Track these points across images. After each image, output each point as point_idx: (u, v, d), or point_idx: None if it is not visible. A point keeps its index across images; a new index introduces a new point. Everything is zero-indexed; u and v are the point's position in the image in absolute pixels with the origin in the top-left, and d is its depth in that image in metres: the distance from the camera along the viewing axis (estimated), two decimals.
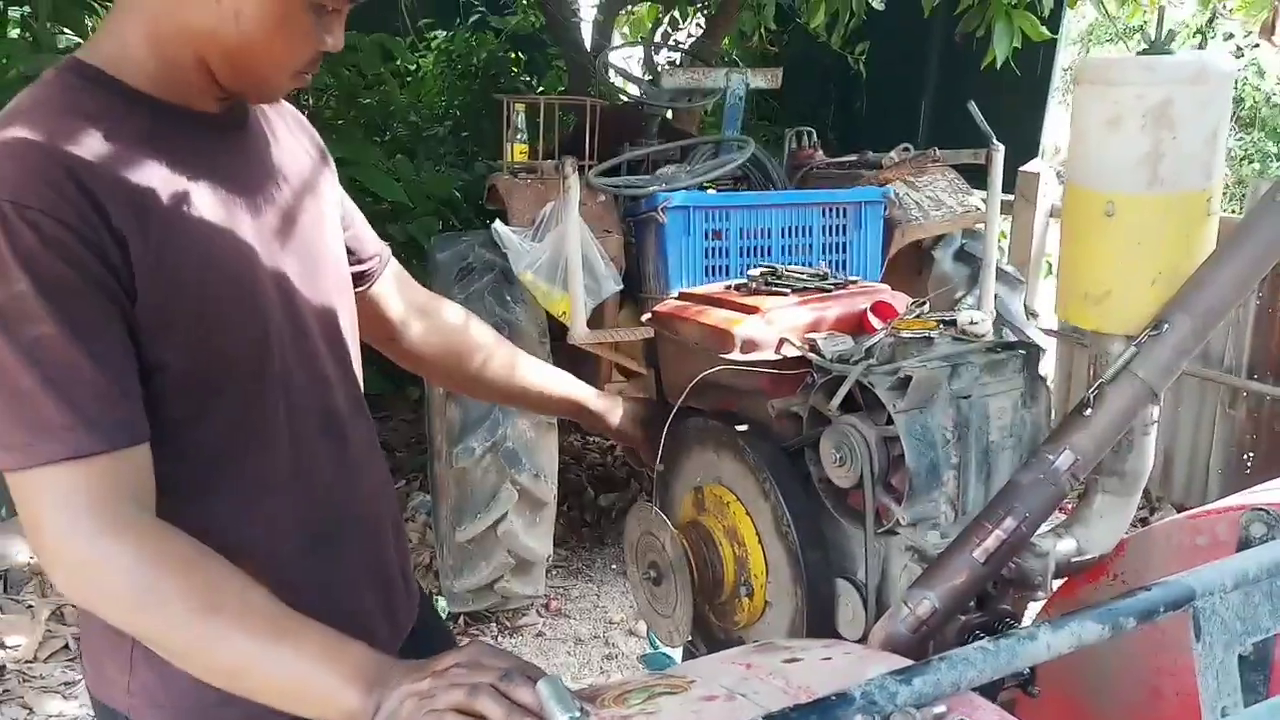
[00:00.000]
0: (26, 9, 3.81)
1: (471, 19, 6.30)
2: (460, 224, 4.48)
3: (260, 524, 1.11)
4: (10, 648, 2.93)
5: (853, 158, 3.56)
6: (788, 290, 1.61)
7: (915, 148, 3.24)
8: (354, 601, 1.23)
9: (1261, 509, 1.33)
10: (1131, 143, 1.24)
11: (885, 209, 3.01)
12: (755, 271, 1.69)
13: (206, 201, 1.01)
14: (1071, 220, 1.35)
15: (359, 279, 1.38)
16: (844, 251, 2.98)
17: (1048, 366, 5.02)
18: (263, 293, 1.07)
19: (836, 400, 1.32)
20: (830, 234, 2.96)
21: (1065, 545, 1.38)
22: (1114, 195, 1.27)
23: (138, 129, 0.97)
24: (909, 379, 1.29)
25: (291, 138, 1.23)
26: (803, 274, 1.65)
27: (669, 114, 5.12)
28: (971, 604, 1.30)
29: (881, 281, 3.16)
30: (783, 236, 2.91)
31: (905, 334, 1.39)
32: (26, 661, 2.90)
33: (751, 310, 1.56)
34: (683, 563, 1.52)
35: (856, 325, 1.55)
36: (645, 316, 1.89)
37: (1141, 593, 0.93)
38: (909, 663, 0.87)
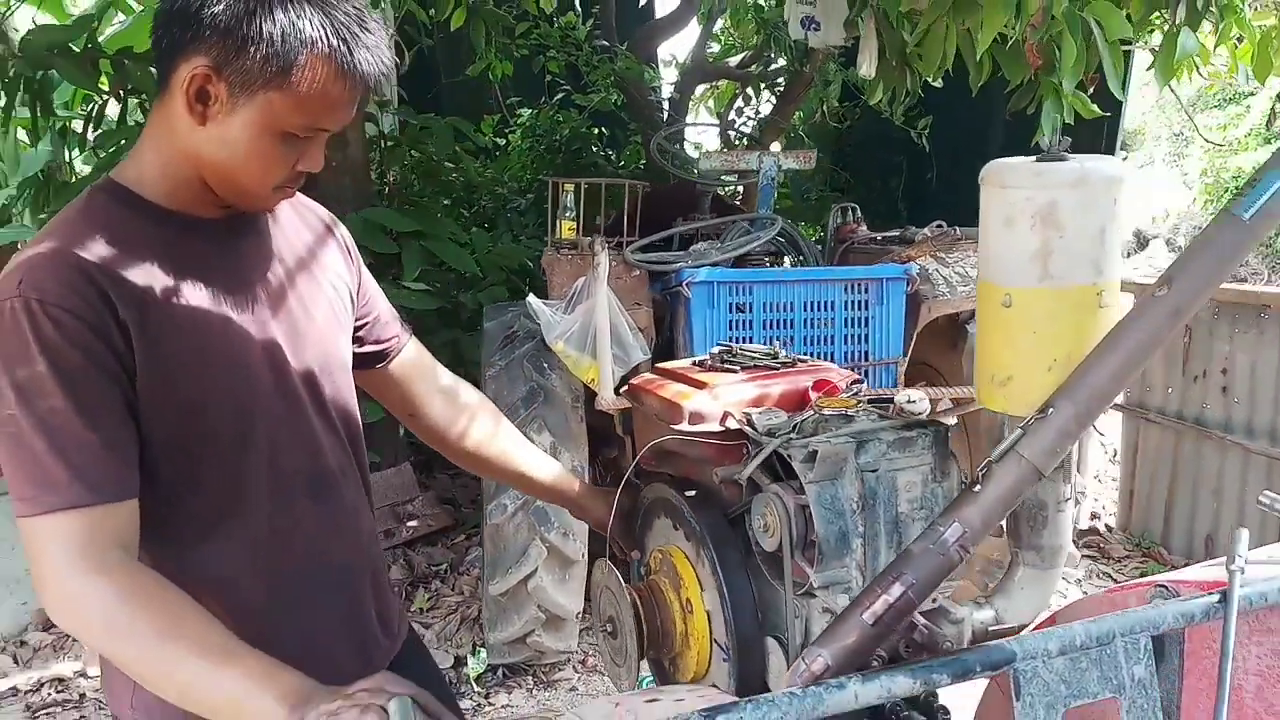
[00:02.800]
0: (144, 96, 4.25)
1: (557, 97, 6.64)
2: (532, 293, 4.71)
3: (241, 575, 1.27)
4: (91, 678, 3.20)
5: (895, 233, 3.66)
6: (738, 368, 1.74)
7: None
8: (326, 646, 1.37)
9: (1164, 585, 1.39)
10: (1024, 240, 1.35)
11: (909, 285, 3.09)
12: (715, 350, 1.83)
13: (203, 295, 1.20)
14: (980, 311, 1.45)
15: (377, 357, 1.56)
16: (866, 326, 3.07)
17: (1114, 441, 4.93)
18: (251, 373, 1.24)
19: (749, 469, 1.44)
20: (853, 309, 3.06)
21: (983, 614, 1.46)
22: (1011, 288, 1.37)
23: (150, 236, 1.17)
24: (816, 452, 1.41)
25: (299, 229, 1.42)
26: (756, 353, 1.78)
27: (739, 190, 5.34)
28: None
29: (914, 355, 3.24)
30: (806, 311, 3.03)
31: (827, 411, 1.50)
32: (98, 690, 3.16)
33: (702, 385, 1.70)
34: (632, 617, 1.64)
35: (800, 402, 1.67)
36: (623, 389, 2.05)
37: (963, 653, 1.02)
38: (729, 699, 0.98)
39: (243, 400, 1.24)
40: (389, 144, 5.04)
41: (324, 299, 1.40)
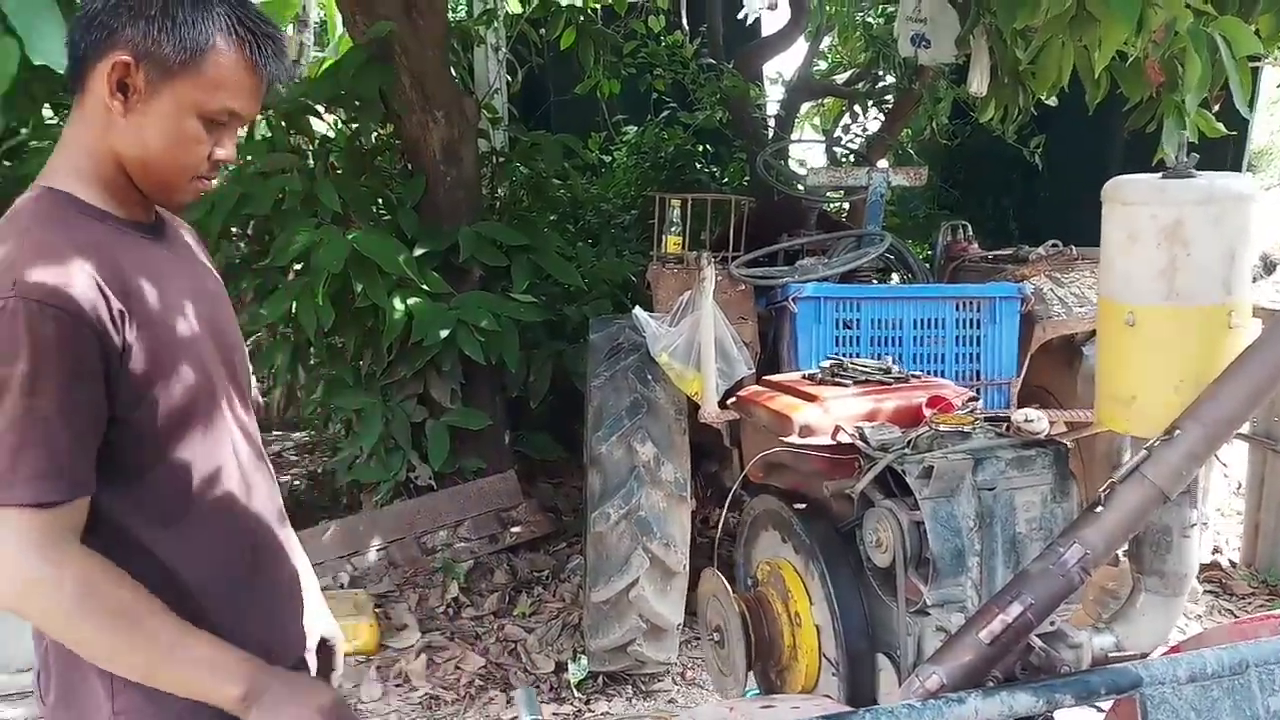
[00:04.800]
0: (270, 113, 4.46)
1: (662, 114, 6.71)
2: (634, 306, 4.78)
3: (217, 546, 1.32)
4: None
5: (1008, 251, 3.59)
6: (850, 381, 1.75)
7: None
8: (285, 623, 1.44)
9: None
10: (1148, 257, 1.33)
11: (1023, 304, 3.04)
12: (825, 363, 1.84)
13: (160, 290, 1.26)
14: (1102, 329, 1.43)
15: None
16: (978, 345, 3.02)
17: (1239, 472, 4.73)
18: (208, 360, 1.32)
19: (862, 484, 1.45)
20: (964, 328, 3.01)
21: (1103, 640, 1.43)
22: (1135, 306, 1.35)
23: (102, 235, 1.21)
24: (932, 468, 1.40)
25: (192, 243, 1.48)
26: (868, 367, 1.78)
27: (844, 207, 5.31)
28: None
29: (1028, 376, 3.18)
30: (915, 328, 2.99)
31: (942, 427, 1.50)
32: None
33: (812, 399, 1.71)
34: (740, 627, 1.66)
35: (914, 417, 1.67)
36: (730, 400, 2.07)
37: (1087, 674, 1.01)
38: (845, 709, 0.99)
39: (209, 384, 1.31)
40: (500, 160, 5.17)
41: (224, 294, 1.48)
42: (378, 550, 3.96)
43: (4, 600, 1.14)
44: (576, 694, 3.20)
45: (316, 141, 4.57)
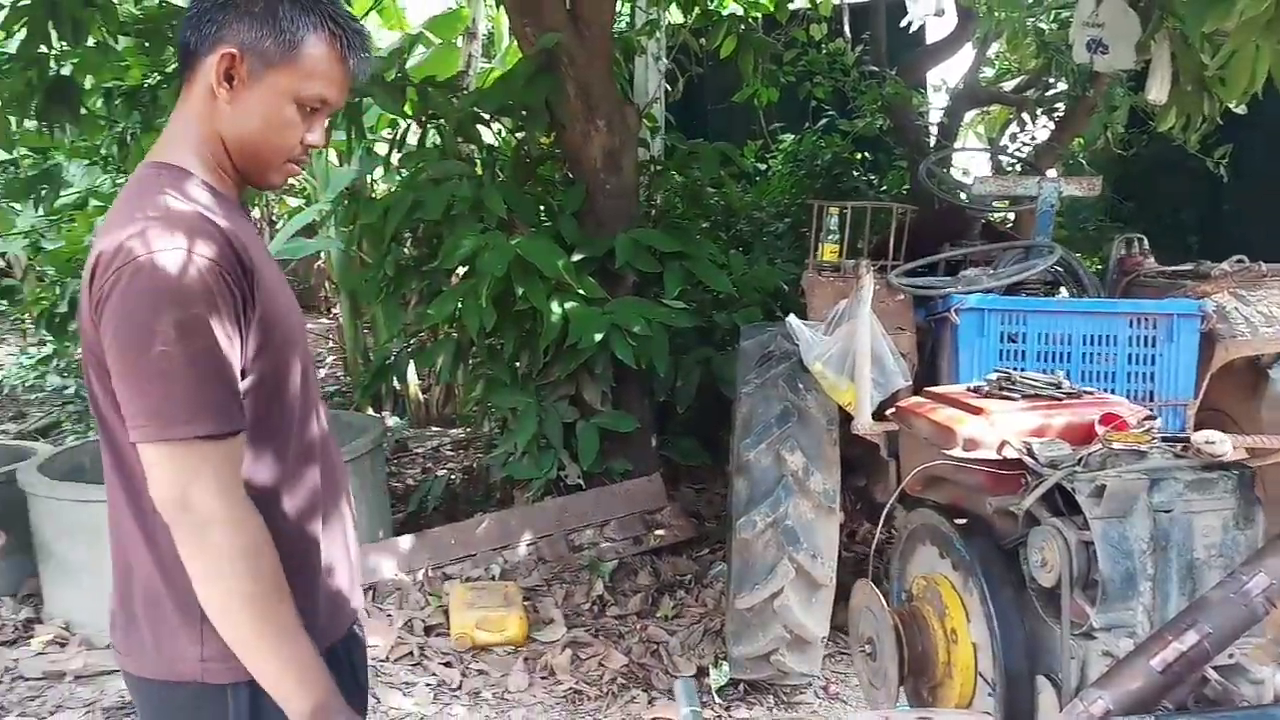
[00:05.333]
0: (442, 121, 4.67)
1: (821, 122, 6.65)
2: (784, 314, 4.76)
3: (302, 506, 1.40)
4: (371, 646, 3.53)
5: (1187, 266, 3.40)
6: (1018, 395, 1.70)
7: None
8: (342, 571, 1.50)
9: None
10: None
11: (1203, 322, 2.87)
12: (992, 376, 1.79)
13: (264, 258, 1.38)
14: None
15: None
16: (1152, 364, 2.86)
17: None
18: (298, 326, 1.43)
19: (1029, 501, 1.41)
20: (1138, 345, 2.87)
21: None
22: None
23: (226, 210, 1.33)
24: (1104, 487, 1.35)
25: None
26: (1037, 381, 1.73)
27: (1009, 217, 5.14)
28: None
29: (1206, 398, 3.00)
30: (1085, 345, 2.86)
31: (1116, 445, 1.44)
32: (380, 660, 3.48)
33: (978, 411, 1.67)
34: (894, 642, 1.64)
35: (1085, 435, 1.61)
36: (889, 411, 2.03)
37: (1269, 708, 0.96)
38: None
39: (297, 345, 1.42)
40: (657, 168, 5.24)
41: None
42: (528, 545, 4.07)
43: (186, 530, 1.22)
44: (717, 700, 3.21)
45: (485, 150, 4.76)
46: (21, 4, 3.96)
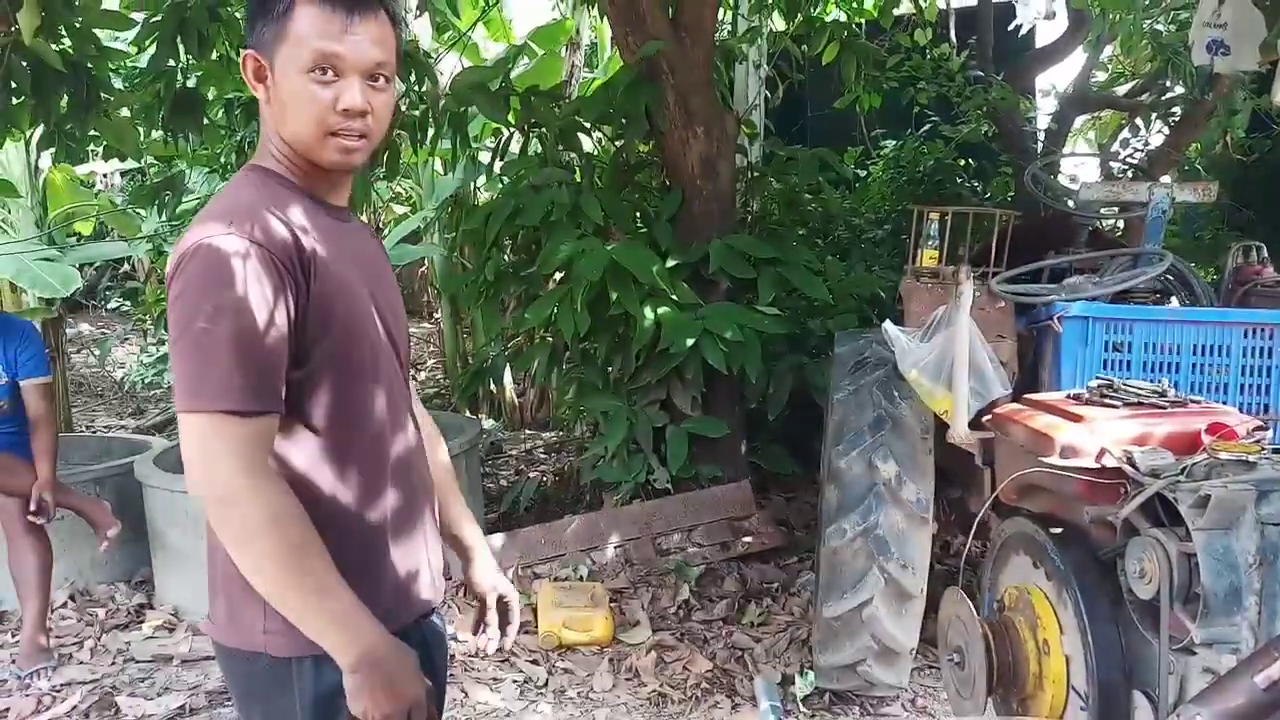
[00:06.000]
0: (544, 129, 4.75)
1: (923, 128, 6.53)
2: (881, 322, 4.69)
3: (372, 491, 1.43)
4: (461, 641, 3.59)
5: None
6: (1119, 403, 1.64)
7: None
8: (420, 566, 1.52)
9: None
10: None
11: None
12: (1094, 383, 1.73)
13: (334, 246, 1.40)
14: None
15: None
16: (1268, 376, 2.72)
17: None
18: (370, 318, 1.43)
19: (1127, 510, 1.36)
20: (1253, 356, 2.73)
21: None
22: None
23: (294, 200, 1.38)
24: (1209, 497, 1.30)
25: (372, 238, 1.63)
26: (1141, 389, 1.66)
27: (1119, 225, 4.96)
28: None
29: None
30: (1195, 355, 2.74)
31: (1223, 455, 1.39)
32: (469, 656, 3.55)
33: (1077, 419, 1.62)
34: (984, 652, 1.60)
35: (1190, 444, 1.54)
36: (985, 418, 1.98)
37: None
38: None
39: (370, 331, 1.44)
40: (754, 174, 5.23)
41: (396, 286, 1.60)
42: (615, 547, 4.10)
43: (209, 501, 1.28)
44: (802, 708, 3.18)
45: (584, 158, 4.82)
46: (153, 20, 4.18)
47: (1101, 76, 6.62)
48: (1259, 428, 1.54)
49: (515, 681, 3.37)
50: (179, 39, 4.14)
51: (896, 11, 5.75)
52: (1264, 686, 1.18)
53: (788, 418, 4.68)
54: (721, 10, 5.76)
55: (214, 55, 4.50)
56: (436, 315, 7.80)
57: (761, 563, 4.18)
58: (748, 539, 4.21)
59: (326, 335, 1.36)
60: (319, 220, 1.41)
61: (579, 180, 4.52)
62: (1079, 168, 6.52)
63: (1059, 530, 1.62)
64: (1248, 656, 1.23)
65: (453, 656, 3.53)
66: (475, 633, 1.70)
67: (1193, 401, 1.66)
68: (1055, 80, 6.84)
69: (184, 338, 1.27)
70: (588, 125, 4.68)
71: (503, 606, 1.68)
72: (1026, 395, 1.86)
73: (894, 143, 6.77)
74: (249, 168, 1.44)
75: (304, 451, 1.37)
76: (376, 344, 1.45)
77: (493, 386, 6.50)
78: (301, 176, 1.43)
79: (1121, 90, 6.27)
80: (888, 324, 2.94)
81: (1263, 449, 1.40)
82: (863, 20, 6.06)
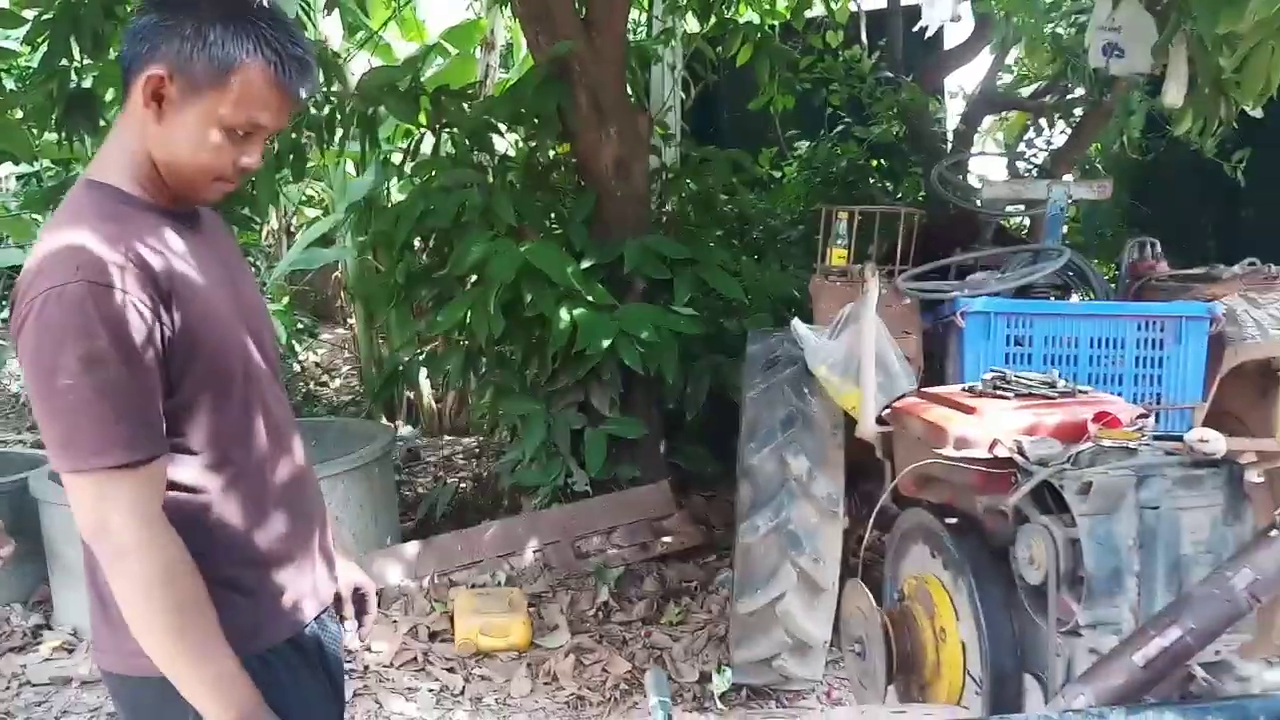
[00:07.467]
0: (455, 130, 4.69)
1: (836, 129, 6.62)
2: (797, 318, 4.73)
3: (256, 517, 1.41)
4: (375, 652, 3.53)
5: (1199, 270, 3.36)
6: (1011, 394, 1.67)
7: None
8: (304, 574, 1.50)
9: None
10: None
11: (1212, 325, 2.82)
12: (987, 375, 1.77)
13: (195, 270, 1.35)
14: None
15: None
16: (1160, 366, 2.82)
17: None
18: (237, 333, 1.40)
19: (1016, 498, 1.39)
20: (1146, 348, 2.83)
21: (1275, 676, 1.32)
22: None
23: (143, 222, 1.32)
24: (1091, 484, 1.33)
25: (220, 228, 1.57)
26: (1031, 380, 1.70)
27: (1025, 223, 5.10)
28: None
29: (1217, 402, 2.96)
30: (1092, 348, 2.83)
31: (1106, 443, 1.42)
32: (384, 666, 3.48)
33: (971, 410, 1.65)
34: (882, 640, 1.62)
35: (1078, 433, 1.58)
36: (884, 411, 2.01)
37: (1245, 699, 0.94)
38: (978, 715, 0.95)
39: (241, 354, 1.40)
40: (669, 175, 5.24)
41: (250, 276, 1.58)
42: (534, 552, 4.06)
43: (106, 551, 1.25)
44: (720, 705, 3.19)
45: (496, 158, 4.77)
46: (45, 18, 4.02)
47: (1008, 78, 6.79)
48: (1141, 415, 1.58)
49: (431, 690, 3.32)
50: (73, 37, 3.99)
51: (808, 14, 5.82)
52: (1142, 665, 1.22)
53: (707, 417, 4.70)
54: (636, 11, 5.76)
55: (110, 54, 4.35)
56: (351, 321, 7.65)
57: (681, 562, 4.19)
58: (667, 539, 4.21)
59: (195, 361, 1.32)
60: (173, 239, 1.35)
61: (491, 181, 4.48)
62: (987, 167, 6.67)
63: (955, 520, 1.64)
64: (1127, 638, 1.26)
65: (366, 668, 3.46)
66: None
67: (1081, 391, 1.70)
68: (963, 82, 6.98)
69: (52, 397, 1.22)
70: (500, 126, 4.64)
71: (359, 598, 1.68)
72: (923, 389, 1.89)
73: (808, 144, 6.84)
74: (88, 185, 1.35)
75: (187, 472, 1.34)
76: (247, 358, 1.42)
77: (410, 393, 6.40)
78: (155, 193, 1.36)
79: (1026, 92, 6.43)
80: (796, 322, 2.97)
81: (1143, 436, 1.45)
82: (776, 22, 6.11)
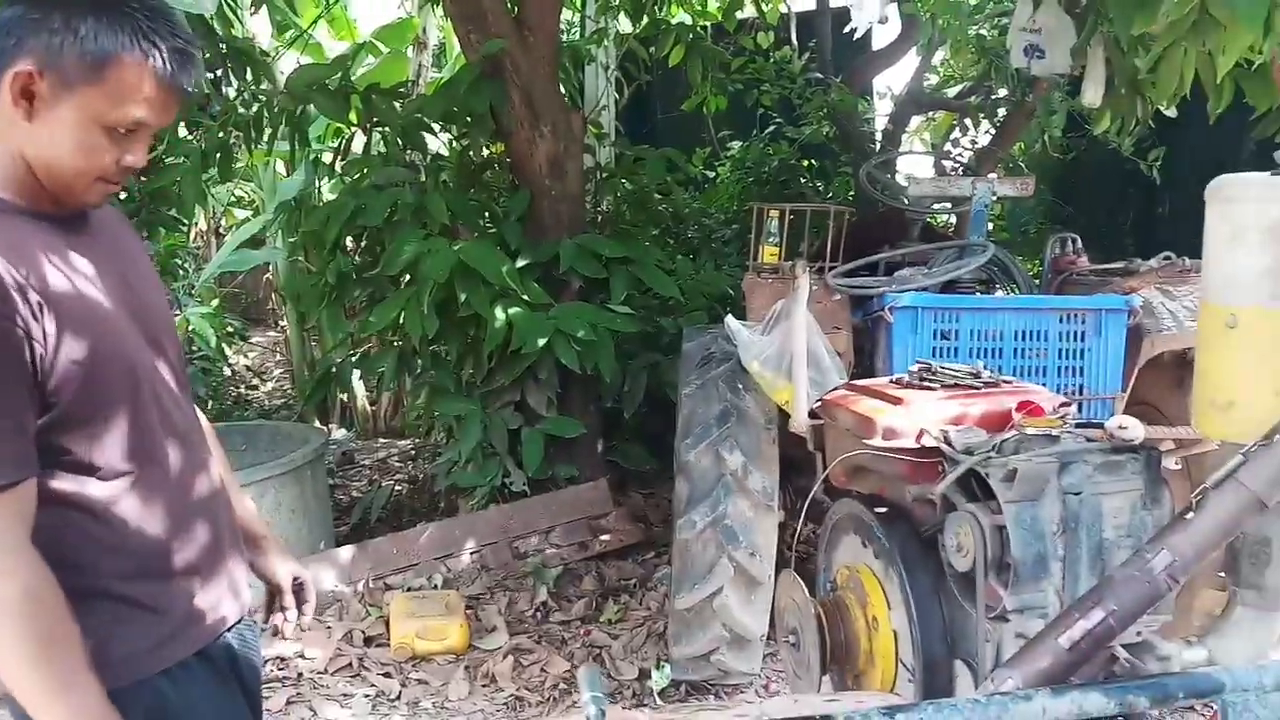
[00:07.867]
0: (387, 129, 4.63)
1: (768, 130, 6.69)
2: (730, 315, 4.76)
3: (150, 521, 1.35)
4: (309, 659, 3.47)
5: (1118, 265, 3.46)
6: (937, 385, 1.71)
7: None
8: (212, 585, 1.45)
9: None
10: (1252, 257, 1.27)
11: (1130, 317, 2.92)
12: (913, 367, 1.80)
13: (72, 275, 1.29)
14: (1201, 332, 1.38)
15: None
16: (1081, 358, 2.91)
17: None
18: (128, 341, 1.34)
19: (943, 486, 1.42)
20: (1068, 340, 2.91)
21: (1194, 654, 1.37)
22: (1236, 308, 1.30)
23: (21, 235, 1.24)
24: (1016, 471, 1.36)
25: (119, 229, 1.50)
26: (957, 371, 1.74)
27: (952, 220, 5.21)
28: None
29: (1136, 392, 3.05)
30: (1016, 340, 2.91)
31: (1030, 431, 1.46)
32: (318, 672, 3.42)
33: (898, 401, 1.68)
34: (816, 630, 1.64)
35: (1002, 422, 1.62)
36: (815, 403, 2.04)
37: (1166, 677, 0.97)
38: (910, 701, 0.96)
39: (128, 358, 1.33)
40: (604, 175, 5.24)
41: (154, 278, 1.52)
42: (471, 553, 4.03)
43: None
44: (659, 701, 3.20)
45: (429, 157, 4.72)
46: None
47: (934, 79, 6.93)
48: (1064, 404, 1.63)
49: (367, 696, 3.27)
50: None
51: (739, 15, 5.86)
52: (1067, 647, 1.25)
53: (644, 415, 4.71)
54: (568, 11, 5.75)
55: None
56: (283, 323, 7.51)
57: (620, 560, 4.19)
58: (606, 537, 4.21)
59: (80, 371, 1.25)
60: (49, 245, 1.28)
61: (424, 180, 4.43)
62: (915, 166, 6.80)
63: (884, 510, 1.67)
64: (1052, 621, 1.29)
65: (300, 675, 3.40)
66: (268, 618, 1.66)
67: (1004, 381, 1.75)
68: (891, 83, 7.11)
69: None
70: (433, 124, 4.59)
71: (298, 587, 1.66)
72: (852, 382, 1.92)
73: (740, 144, 6.91)
74: None
75: (78, 485, 1.28)
76: (143, 365, 1.35)
77: (344, 396, 6.31)
78: (29, 197, 1.29)
79: (952, 92, 6.57)
80: (730, 319, 2.99)
81: (1065, 424, 1.49)
82: (708, 23, 6.15)
